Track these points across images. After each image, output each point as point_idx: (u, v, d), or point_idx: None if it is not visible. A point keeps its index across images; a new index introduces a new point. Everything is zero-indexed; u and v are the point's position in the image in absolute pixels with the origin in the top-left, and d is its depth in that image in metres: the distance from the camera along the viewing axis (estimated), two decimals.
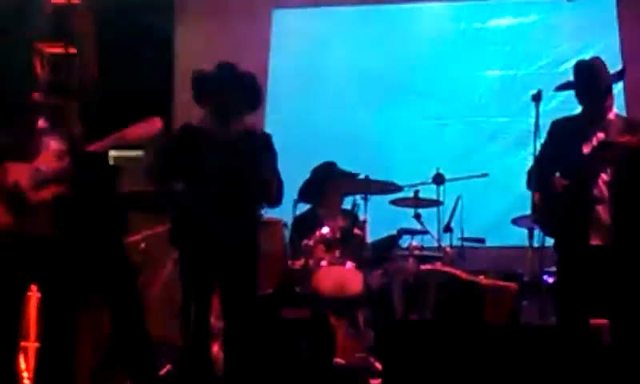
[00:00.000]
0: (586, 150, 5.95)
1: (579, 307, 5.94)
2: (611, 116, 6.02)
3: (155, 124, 5.73)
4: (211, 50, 9.67)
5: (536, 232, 7.51)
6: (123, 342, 5.96)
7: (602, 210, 5.88)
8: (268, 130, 8.95)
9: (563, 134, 6.10)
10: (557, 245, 6.16)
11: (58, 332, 5.83)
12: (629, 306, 5.83)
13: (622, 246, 5.84)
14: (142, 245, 7.94)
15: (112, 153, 6.06)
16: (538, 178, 6.08)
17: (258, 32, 10.51)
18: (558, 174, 5.96)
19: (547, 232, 6.20)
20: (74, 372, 6.00)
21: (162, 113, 9.73)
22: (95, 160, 5.64)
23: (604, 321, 6.15)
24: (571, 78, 6.13)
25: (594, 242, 5.88)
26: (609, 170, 5.87)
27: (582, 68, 6.08)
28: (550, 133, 6.20)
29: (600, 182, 5.89)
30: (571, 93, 6.11)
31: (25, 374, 6.83)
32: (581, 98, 6.04)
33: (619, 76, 6.23)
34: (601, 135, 5.93)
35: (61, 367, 5.84)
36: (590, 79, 5.98)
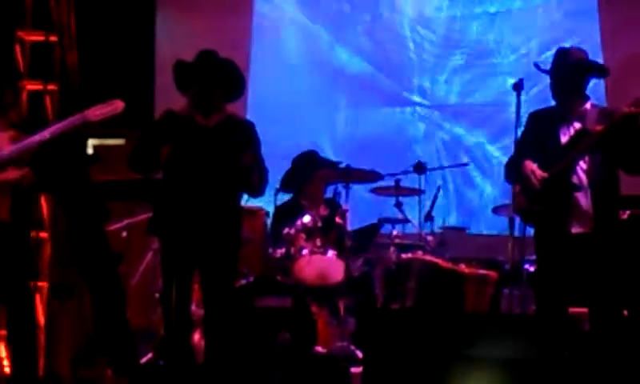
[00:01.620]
0: (564, 139, 6.00)
1: (558, 295, 5.98)
2: (587, 106, 6.07)
3: (117, 104, 5.74)
4: (192, 37, 9.65)
5: (517, 221, 7.54)
6: (104, 329, 5.97)
7: (581, 198, 5.92)
8: (250, 118, 9.01)
9: (541, 124, 6.15)
10: (537, 233, 6.19)
11: (20, 320, 5.88)
12: (609, 293, 5.88)
13: (603, 233, 5.89)
14: (124, 233, 7.92)
15: (92, 141, 6.06)
16: (517, 168, 6.11)
17: (240, 19, 10.47)
18: (535, 165, 6.00)
19: (528, 221, 6.23)
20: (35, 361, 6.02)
21: (143, 100, 9.83)
22: (65, 146, 5.63)
23: (584, 309, 6.20)
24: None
25: (576, 229, 5.92)
26: (586, 158, 5.92)
27: (561, 57, 6.12)
28: (528, 124, 6.24)
29: (579, 169, 5.94)
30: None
31: (5, 362, 6.82)
32: (558, 87, 6.09)
33: (600, 72, 6.25)
34: (577, 125, 5.98)
35: (27, 356, 5.88)
36: (568, 69, 6.02)
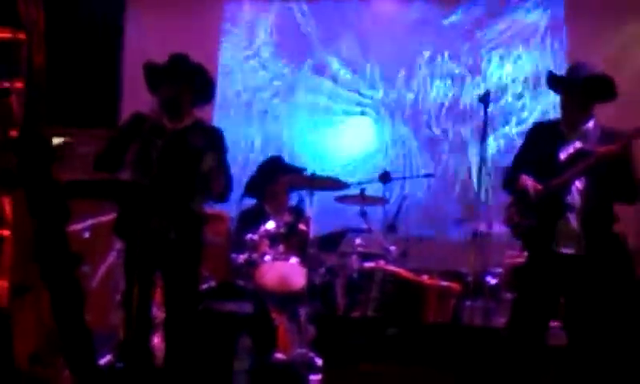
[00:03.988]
0: (562, 156, 5.95)
1: (539, 312, 5.94)
2: (590, 125, 5.99)
3: None
4: (161, 37, 9.63)
5: (480, 232, 7.58)
6: (62, 330, 5.92)
7: (572, 218, 5.88)
8: (216, 119, 9.02)
9: (542, 138, 6.09)
10: (526, 248, 6.19)
11: None
12: (594, 315, 5.86)
13: (592, 256, 5.84)
14: (87, 234, 7.88)
15: (56, 140, 6.01)
16: (513, 180, 6.10)
17: (210, 22, 10.46)
18: (530, 179, 5.98)
19: (517, 235, 6.20)
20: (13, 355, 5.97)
21: (110, 101, 9.80)
22: (29, 143, 5.59)
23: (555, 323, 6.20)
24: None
25: (566, 250, 5.88)
26: (583, 179, 5.88)
27: (573, 72, 6.06)
28: (529, 136, 6.23)
29: (574, 189, 5.90)
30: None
31: None
32: (564, 101, 6.05)
33: (609, 95, 6.03)
34: (578, 144, 5.94)
35: None
36: (575, 87, 5.96)
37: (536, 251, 6.02)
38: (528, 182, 5.95)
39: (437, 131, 10.12)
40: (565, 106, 6.03)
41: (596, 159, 5.73)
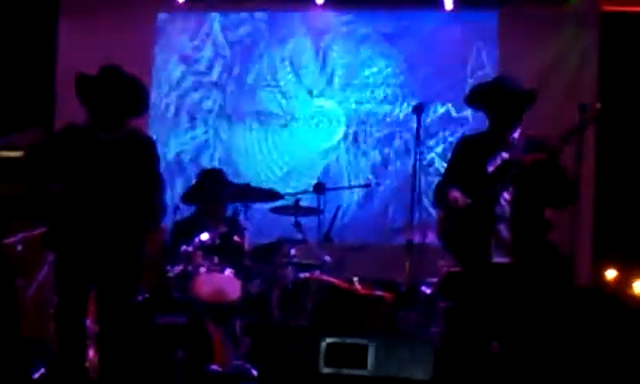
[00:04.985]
0: (490, 168, 6.01)
1: (476, 322, 6.00)
2: (516, 135, 6.06)
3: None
4: (94, 47, 9.58)
5: (415, 243, 7.64)
6: None
7: (503, 229, 5.94)
8: (151, 133, 8.98)
9: (469, 151, 6.15)
10: (459, 262, 6.27)
11: None
12: (526, 323, 5.91)
13: (522, 264, 5.91)
14: (19, 247, 7.82)
15: None
16: (443, 194, 6.14)
17: (142, 33, 10.44)
18: (459, 192, 6.03)
19: (450, 249, 6.26)
20: None
21: (43, 110, 9.73)
22: None
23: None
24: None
25: (498, 259, 5.93)
26: (511, 189, 5.94)
27: (496, 88, 6.10)
28: (457, 150, 6.29)
29: (502, 200, 5.96)
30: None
31: None
32: (491, 116, 6.12)
33: (531, 99, 6.12)
34: (505, 155, 6.01)
35: None
36: (502, 100, 6.01)
37: (469, 263, 6.09)
38: (457, 195, 6.02)
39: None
40: (493, 118, 6.09)
41: (524, 167, 5.82)
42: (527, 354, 5.93)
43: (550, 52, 9.85)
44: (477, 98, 6.21)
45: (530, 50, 9.79)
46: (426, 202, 7.98)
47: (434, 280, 7.91)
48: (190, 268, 7.49)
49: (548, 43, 9.86)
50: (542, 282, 6.04)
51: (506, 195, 5.96)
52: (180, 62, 10.53)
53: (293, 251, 8.26)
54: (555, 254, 6.30)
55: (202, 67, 10.52)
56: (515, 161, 5.89)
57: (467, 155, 6.15)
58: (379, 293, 7.84)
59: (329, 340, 6.09)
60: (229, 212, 8.15)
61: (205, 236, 7.62)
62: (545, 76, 9.51)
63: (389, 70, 10.23)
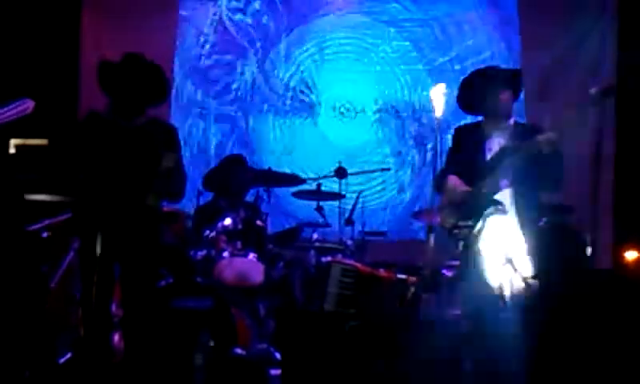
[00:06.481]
0: (488, 156, 6.06)
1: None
2: (511, 122, 6.13)
3: (27, 105, 5.70)
4: (118, 37, 9.63)
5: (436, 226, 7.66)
6: (21, 329, 5.95)
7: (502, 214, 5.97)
8: (173, 121, 9.03)
9: (467, 140, 6.21)
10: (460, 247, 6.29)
11: None
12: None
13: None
14: (44, 234, 7.88)
15: (14, 141, 6.02)
16: (442, 183, 6.19)
17: (166, 20, 10.46)
18: (459, 181, 6.08)
19: (452, 235, 6.20)
20: None
21: (67, 100, 9.78)
22: None
23: None
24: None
25: None
26: (509, 175, 5.96)
27: (485, 76, 6.19)
28: (455, 140, 6.33)
29: (502, 186, 5.98)
30: None
31: None
32: (480, 107, 6.19)
33: (517, 85, 6.25)
34: (501, 141, 6.04)
35: None
36: (486, 89, 6.10)
37: (471, 250, 6.08)
38: (456, 183, 6.08)
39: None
40: (491, 105, 6.13)
41: (525, 150, 5.84)
42: (548, 337, 5.98)
43: (570, 33, 9.85)
44: (463, 106, 6.30)
45: (552, 33, 9.79)
46: None
47: (455, 263, 7.93)
48: (213, 252, 7.54)
49: (569, 25, 9.86)
50: (544, 266, 6.09)
51: (505, 181, 5.99)
52: (202, 52, 10.54)
53: (315, 235, 8.31)
54: (558, 237, 6.33)
55: (227, 57, 10.53)
56: (512, 147, 5.94)
57: (465, 144, 6.21)
58: (401, 276, 7.85)
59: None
60: (251, 197, 8.19)
61: (227, 221, 7.66)
62: (568, 57, 9.55)
63: (413, 54, 10.24)
